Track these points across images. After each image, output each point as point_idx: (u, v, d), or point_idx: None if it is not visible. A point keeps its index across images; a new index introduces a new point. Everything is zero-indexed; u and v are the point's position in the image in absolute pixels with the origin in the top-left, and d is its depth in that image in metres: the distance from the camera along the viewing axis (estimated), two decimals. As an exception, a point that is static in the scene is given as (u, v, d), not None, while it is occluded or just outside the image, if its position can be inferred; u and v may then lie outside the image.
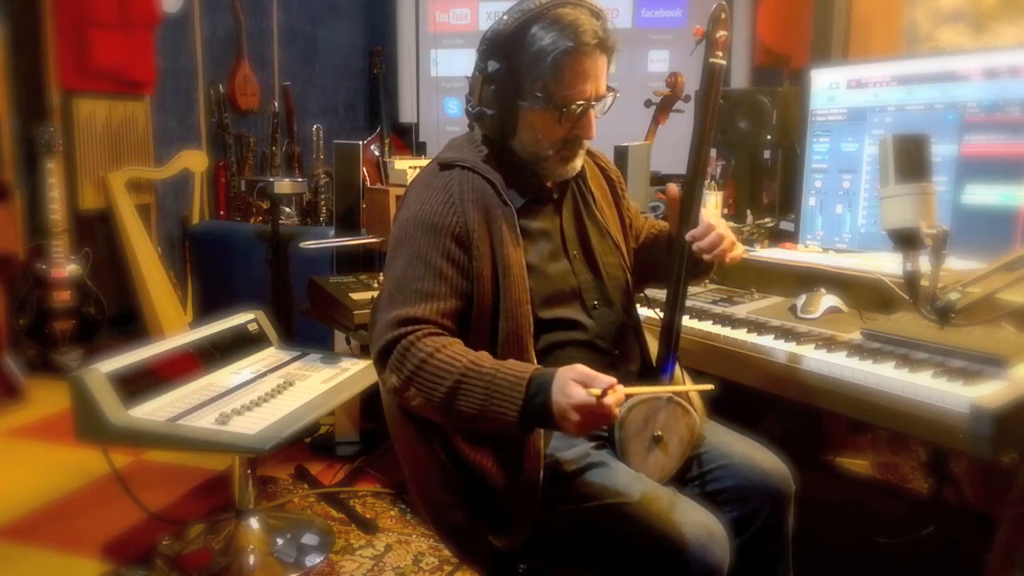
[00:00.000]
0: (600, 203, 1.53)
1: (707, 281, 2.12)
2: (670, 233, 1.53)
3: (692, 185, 1.44)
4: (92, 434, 1.87)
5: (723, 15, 1.41)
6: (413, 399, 1.29)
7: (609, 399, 1.16)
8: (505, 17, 1.35)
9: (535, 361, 1.33)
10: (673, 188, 1.45)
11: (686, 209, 1.43)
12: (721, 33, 1.42)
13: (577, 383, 1.17)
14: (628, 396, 1.24)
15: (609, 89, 1.38)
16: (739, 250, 1.43)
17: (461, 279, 1.33)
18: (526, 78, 1.34)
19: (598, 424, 1.21)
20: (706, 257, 1.41)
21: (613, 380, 1.17)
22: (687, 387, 1.43)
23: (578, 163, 1.44)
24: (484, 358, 1.27)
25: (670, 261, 1.47)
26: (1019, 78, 1.76)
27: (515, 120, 1.38)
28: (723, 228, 1.40)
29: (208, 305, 3.89)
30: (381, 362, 1.32)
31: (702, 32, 1.43)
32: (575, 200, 1.50)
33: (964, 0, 2.46)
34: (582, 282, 1.44)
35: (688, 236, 1.41)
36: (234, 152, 4.57)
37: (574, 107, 1.34)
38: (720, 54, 1.43)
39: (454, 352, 1.27)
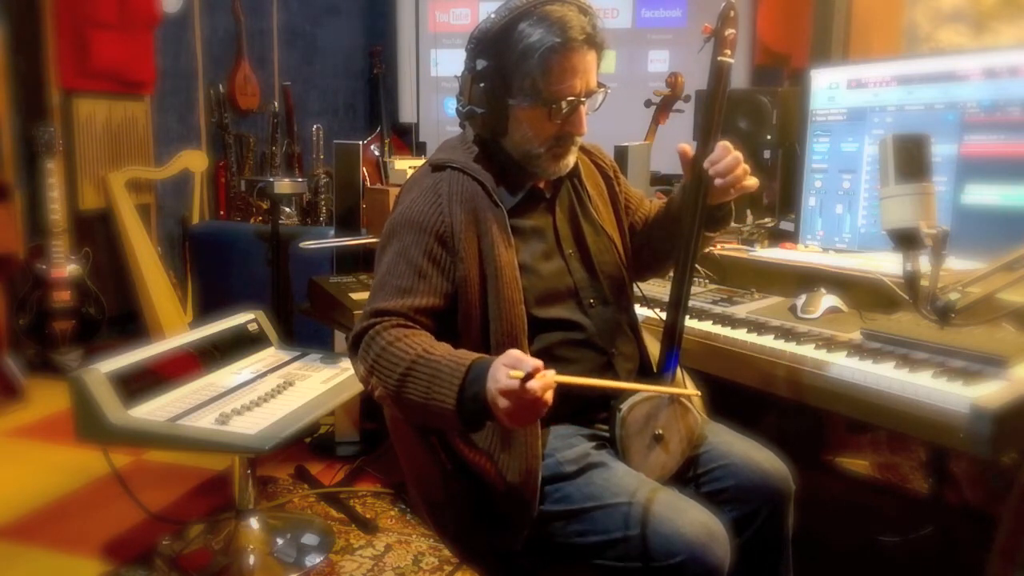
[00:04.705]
0: (595, 200, 1.53)
1: (707, 281, 2.12)
2: (683, 185, 1.49)
3: (704, 141, 1.41)
4: (92, 434, 1.87)
5: (732, 13, 1.41)
6: (375, 389, 1.28)
7: (534, 384, 1.08)
8: (492, 15, 1.35)
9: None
10: (683, 145, 1.42)
11: (699, 155, 1.40)
12: (730, 31, 1.41)
13: (508, 367, 1.11)
14: (577, 384, 1.18)
15: (600, 85, 1.38)
16: (752, 180, 1.40)
17: (441, 279, 1.33)
18: (515, 76, 1.34)
19: (529, 412, 1.11)
20: (718, 183, 1.37)
21: (539, 363, 1.10)
22: (642, 387, 1.36)
23: (570, 160, 1.43)
24: (439, 347, 1.24)
25: (684, 209, 1.44)
26: (1019, 78, 1.76)
27: (505, 118, 1.38)
28: (739, 155, 1.38)
29: (208, 305, 3.88)
30: (352, 352, 1.32)
31: (710, 30, 1.43)
32: (569, 198, 1.50)
33: (964, 0, 2.46)
34: (578, 280, 1.44)
35: (707, 162, 1.38)
36: (234, 152, 4.56)
37: (564, 103, 1.34)
38: (728, 52, 1.42)
39: (412, 341, 1.25)
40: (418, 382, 1.20)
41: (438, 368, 1.20)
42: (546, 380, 1.10)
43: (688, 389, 1.43)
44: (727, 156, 1.38)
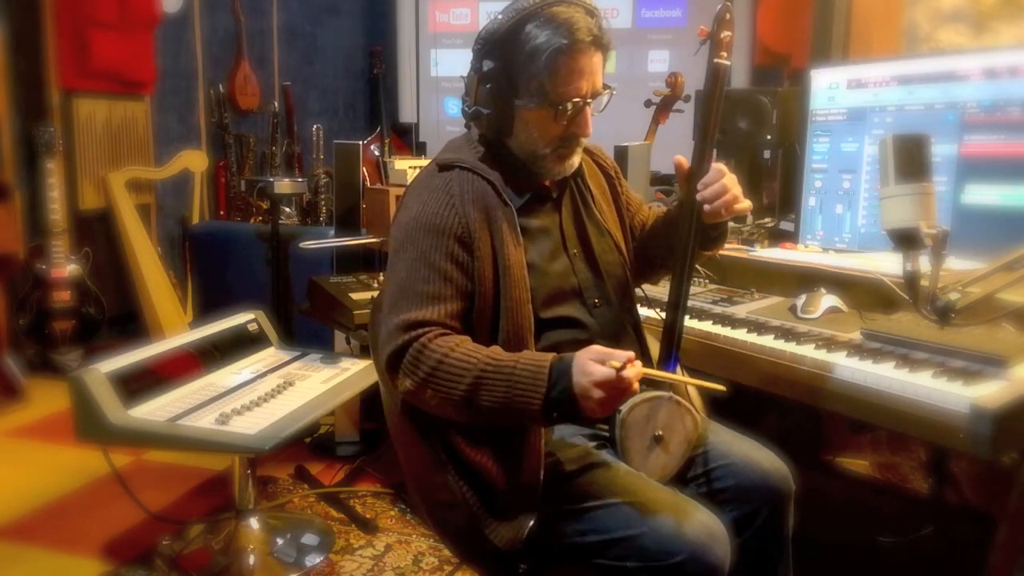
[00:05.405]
0: (599, 201, 1.53)
1: (707, 281, 2.12)
2: (680, 200, 1.51)
3: (701, 154, 1.43)
4: (92, 434, 1.87)
5: (728, 16, 1.41)
6: (431, 400, 1.29)
7: (628, 372, 1.17)
8: (500, 16, 1.35)
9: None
10: (679, 157, 1.44)
11: (695, 170, 1.41)
12: (726, 34, 1.42)
13: (595, 361, 1.19)
14: (646, 374, 1.25)
15: (605, 87, 1.38)
16: (744, 204, 1.42)
17: (465, 280, 1.33)
18: (521, 76, 1.34)
19: (619, 399, 1.21)
20: (707, 208, 1.39)
21: (631, 354, 1.19)
22: (702, 382, 1.40)
23: (575, 160, 1.44)
24: (499, 352, 1.28)
25: (679, 226, 1.45)
26: (1019, 78, 1.77)
27: (511, 119, 1.38)
28: (729, 180, 1.39)
29: (208, 305, 3.89)
30: (392, 367, 1.32)
31: (706, 33, 1.43)
32: (574, 198, 1.50)
33: (964, 0, 2.47)
34: (582, 280, 1.44)
35: (700, 184, 1.40)
36: (234, 152, 4.56)
37: (569, 105, 1.34)
38: (725, 55, 1.43)
39: (468, 349, 1.28)
40: (494, 389, 1.24)
41: (513, 373, 1.24)
42: (637, 369, 1.20)
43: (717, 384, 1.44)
44: (717, 181, 1.38)
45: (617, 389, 1.18)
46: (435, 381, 1.27)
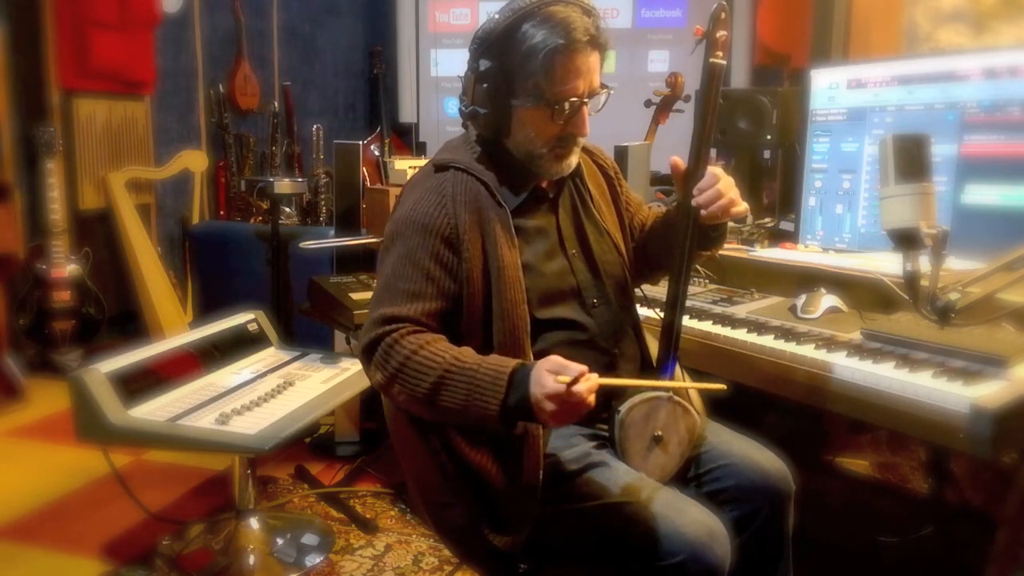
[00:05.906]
0: (598, 201, 1.53)
1: (707, 281, 2.12)
2: (678, 201, 1.51)
3: (697, 156, 1.42)
4: (92, 434, 1.87)
5: (723, 15, 1.41)
6: (399, 395, 1.30)
7: (580, 387, 1.15)
8: (496, 16, 1.35)
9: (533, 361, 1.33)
10: (675, 158, 1.43)
11: (691, 172, 1.40)
12: (721, 33, 1.41)
13: (550, 373, 1.18)
14: (604, 386, 1.22)
15: (603, 86, 1.38)
16: (741, 207, 1.41)
17: (449, 281, 1.33)
18: (518, 76, 1.34)
19: (572, 413, 1.18)
20: (704, 213, 1.38)
21: (584, 368, 1.17)
22: (666, 383, 1.39)
23: (572, 160, 1.43)
24: (467, 354, 1.28)
25: (677, 227, 1.44)
26: (1019, 78, 1.77)
27: (508, 119, 1.38)
28: (725, 184, 1.38)
29: (208, 305, 3.88)
30: (366, 359, 1.34)
31: (702, 32, 1.43)
32: (572, 198, 1.50)
33: (964, 0, 2.47)
34: (581, 281, 1.44)
35: (696, 189, 1.39)
36: (234, 152, 4.56)
37: (566, 104, 1.34)
38: (720, 54, 1.42)
39: (437, 348, 1.28)
40: (455, 390, 1.24)
41: (475, 376, 1.23)
42: (590, 383, 1.17)
43: (690, 383, 1.43)
44: (712, 186, 1.37)
45: (567, 403, 1.17)
46: (402, 377, 1.28)
